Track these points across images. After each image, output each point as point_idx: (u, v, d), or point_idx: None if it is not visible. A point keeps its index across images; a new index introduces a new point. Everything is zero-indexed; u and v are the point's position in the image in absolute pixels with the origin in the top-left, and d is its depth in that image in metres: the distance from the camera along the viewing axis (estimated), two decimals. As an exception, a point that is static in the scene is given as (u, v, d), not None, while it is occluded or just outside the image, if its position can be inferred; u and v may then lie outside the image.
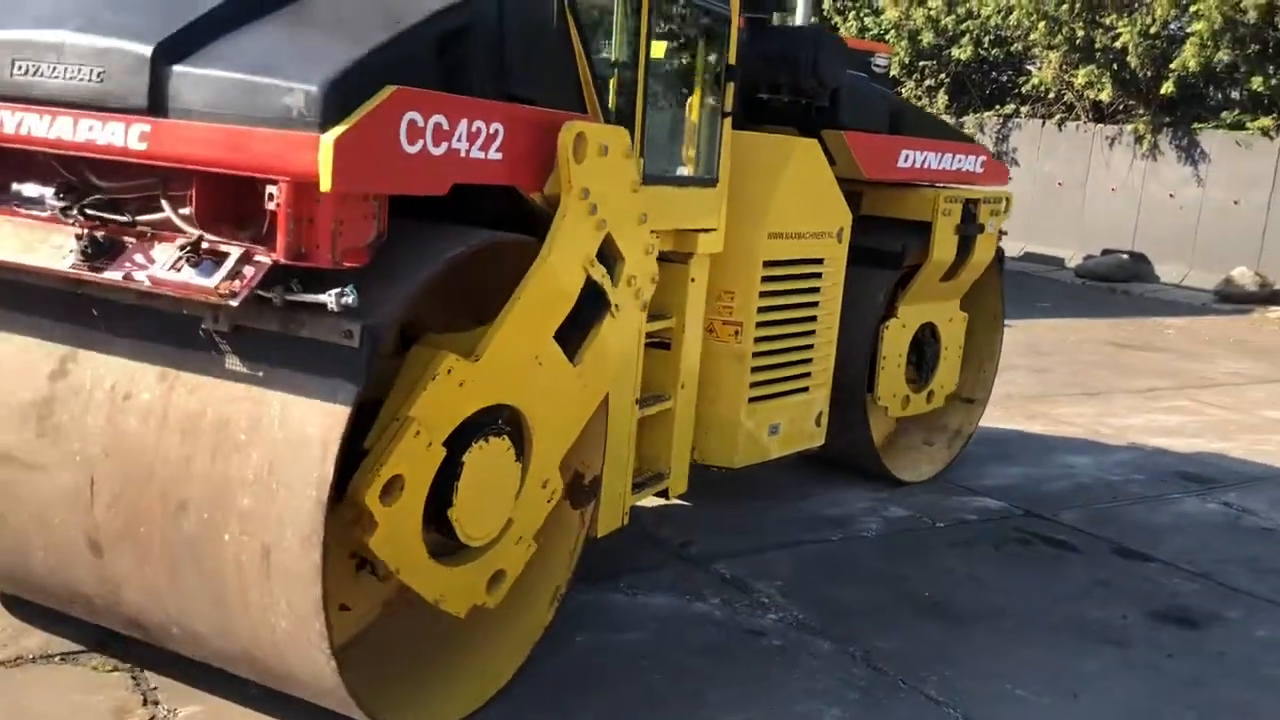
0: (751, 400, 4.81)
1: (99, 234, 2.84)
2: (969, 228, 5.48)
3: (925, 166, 5.40)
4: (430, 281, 2.80)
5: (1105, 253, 17.87)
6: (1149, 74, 17.41)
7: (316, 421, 2.61)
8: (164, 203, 2.83)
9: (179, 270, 2.70)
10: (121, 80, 2.79)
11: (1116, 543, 5.36)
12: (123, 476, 2.81)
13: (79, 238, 2.83)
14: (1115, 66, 17.80)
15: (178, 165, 2.75)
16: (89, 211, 2.89)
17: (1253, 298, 15.96)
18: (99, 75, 2.82)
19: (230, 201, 2.76)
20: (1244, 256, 16.42)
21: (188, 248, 2.70)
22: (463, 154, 2.88)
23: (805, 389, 5.09)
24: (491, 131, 2.96)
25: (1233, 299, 15.98)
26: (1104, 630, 4.34)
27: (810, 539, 5.05)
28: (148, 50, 2.76)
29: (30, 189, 3.03)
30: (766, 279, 4.75)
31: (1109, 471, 6.69)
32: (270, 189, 2.61)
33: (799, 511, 5.39)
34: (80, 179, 2.98)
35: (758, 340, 4.76)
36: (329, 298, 2.56)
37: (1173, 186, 17.65)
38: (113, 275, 2.79)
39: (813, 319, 5.05)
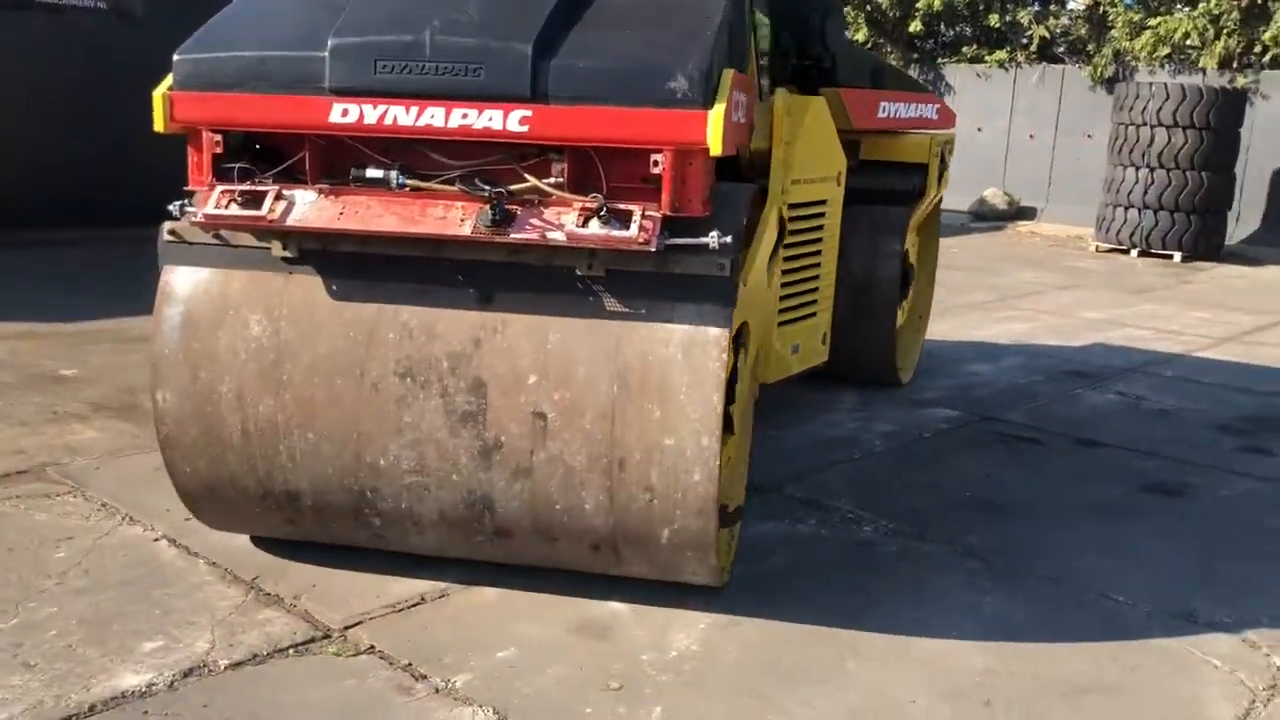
0: (780, 324, 5.21)
1: (498, 204, 3.33)
2: (943, 167, 6.12)
3: (897, 115, 5.99)
4: (743, 221, 3.53)
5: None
6: (897, 14, 18.81)
7: (709, 337, 3.32)
8: (528, 175, 3.43)
9: (588, 227, 3.28)
10: (502, 73, 3.32)
11: (1068, 435, 6.15)
12: (538, 396, 3.38)
13: (491, 206, 3.31)
14: (868, 7, 19.10)
15: (562, 143, 3.37)
16: (478, 185, 3.38)
17: (1003, 215, 17.75)
18: (475, 70, 3.33)
19: (594, 170, 3.42)
20: (990, 178, 18.17)
21: (600, 210, 3.29)
22: (739, 120, 3.45)
23: (814, 314, 5.55)
24: (746, 101, 3.50)
25: (986, 217, 17.70)
26: (1117, 507, 5.05)
27: (839, 459, 5.51)
28: (528, 48, 3.31)
29: (372, 172, 3.46)
30: (791, 219, 5.14)
31: (1013, 375, 7.54)
32: (655, 157, 3.29)
33: (807, 436, 5.84)
34: (419, 161, 3.48)
35: (784, 272, 5.16)
36: (711, 239, 3.28)
37: (925, 116, 19.17)
38: (524, 235, 3.31)
39: (819, 252, 5.49)
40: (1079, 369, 7.81)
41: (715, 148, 3.26)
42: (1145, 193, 14.67)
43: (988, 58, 18.43)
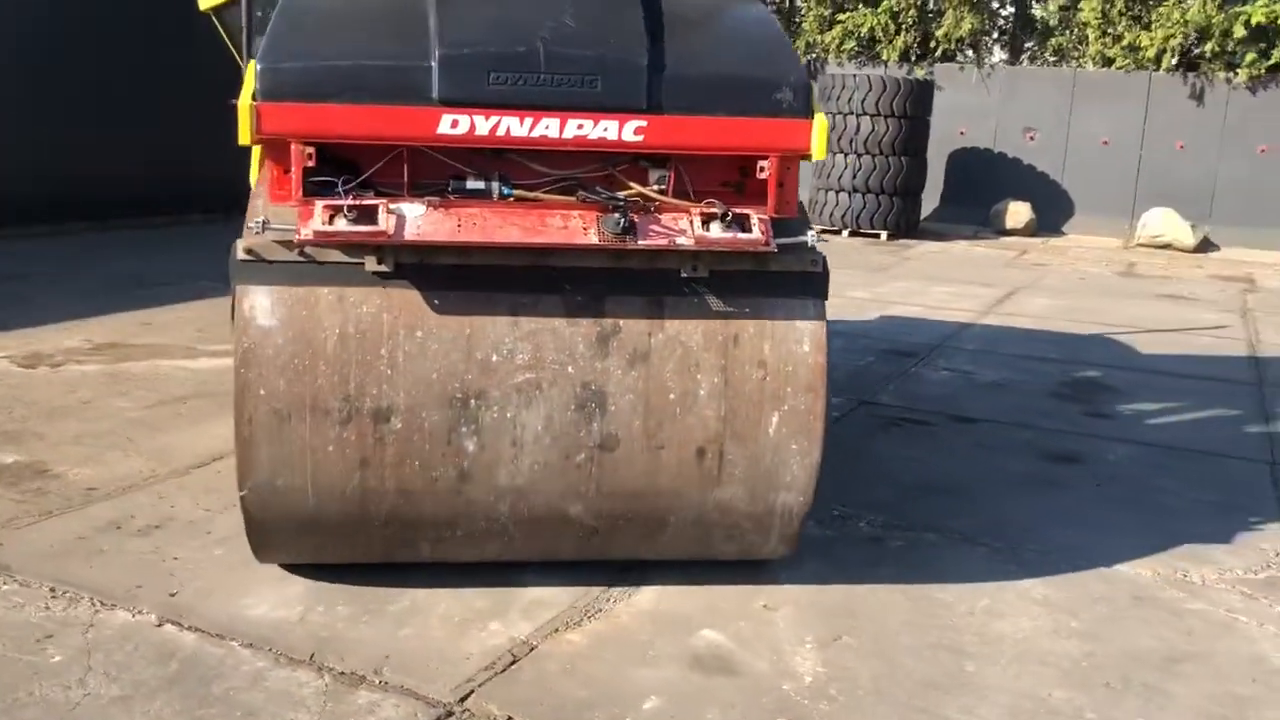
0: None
1: (624, 212, 3.39)
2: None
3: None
4: None
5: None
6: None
7: (809, 329, 3.56)
8: (631, 183, 3.52)
9: (710, 231, 3.41)
10: (619, 84, 3.40)
11: (942, 413, 6.53)
12: (657, 390, 3.51)
13: (618, 215, 3.37)
14: None
15: (673, 152, 3.50)
16: (599, 193, 3.46)
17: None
18: (591, 81, 3.38)
19: (698, 176, 3.57)
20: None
21: (725, 215, 3.40)
22: None
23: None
24: None
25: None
26: (1036, 479, 5.43)
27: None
28: (644, 60, 3.44)
29: (473, 183, 3.44)
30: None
31: (848, 358, 7.88)
32: (761, 163, 3.51)
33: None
34: (512, 171, 3.49)
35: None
36: (810, 237, 3.53)
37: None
38: (652, 242, 3.40)
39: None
40: (897, 348, 8.29)
41: (819, 153, 3.50)
42: (854, 177, 15.79)
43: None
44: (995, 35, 19.36)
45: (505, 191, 3.45)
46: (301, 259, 3.40)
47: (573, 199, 3.49)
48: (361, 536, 3.63)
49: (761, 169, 3.50)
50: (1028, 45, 19.30)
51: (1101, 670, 3.54)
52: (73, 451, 5.06)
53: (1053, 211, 17.39)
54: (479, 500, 3.53)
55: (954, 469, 5.48)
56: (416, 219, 3.34)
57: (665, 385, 3.52)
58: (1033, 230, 17.14)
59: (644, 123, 3.40)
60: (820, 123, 3.46)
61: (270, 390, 3.38)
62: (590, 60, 3.42)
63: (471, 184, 3.45)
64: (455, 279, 3.45)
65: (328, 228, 3.28)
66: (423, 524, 3.61)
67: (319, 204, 3.31)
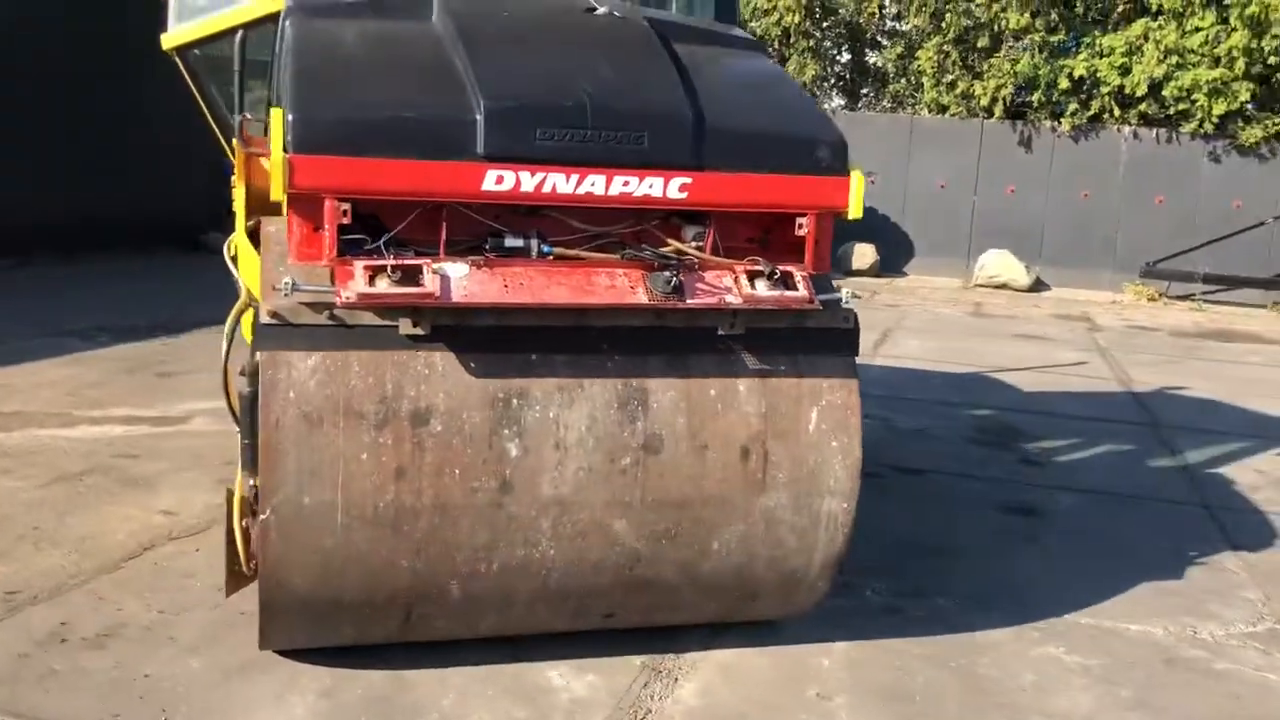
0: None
1: (675, 271, 3.30)
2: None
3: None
4: None
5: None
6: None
7: (843, 386, 3.49)
8: (669, 239, 3.45)
9: (755, 289, 3.35)
10: (666, 141, 3.31)
11: (885, 464, 6.45)
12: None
13: (668, 273, 3.28)
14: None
15: (716, 209, 3.41)
16: (645, 251, 3.36)
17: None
18: (638, 138, 3.27)
19: (742, 232, 3.54)
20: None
21: (772, 273, 3.36)
22: None
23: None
24: None
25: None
26: (1007, 531, 5.40)
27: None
28: (689, 116, 3.35)
29: (511, 241, 3.31)
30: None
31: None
32: (800, 220, 3.45)
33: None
34: (551, 227, 3.37)
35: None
36: (844, 294, 3.49)
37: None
38: (702, 301, 3.32)
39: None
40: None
41: (856, 211, 3.46)
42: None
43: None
44: (833, 81, 19.94)
45: (545, 249, 3.31)
46: (331, 323, 3.12)
47: (615, 257, 3.36)
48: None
49: (801, 225, 3.45)
50: (864, 91, 19.96)
51: (1175, 745, 3.45)
52: (-26, 546, 4.38)
53: (895, 253, 17.96)
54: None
55: (926, 526, 5.38)
56: (461, 280, 3.17)
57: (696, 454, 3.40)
58: (876, 271, 17.64)
59: (689, 179, 3.31)
60: (858, 180, 3.44)
61: (298, 472, 3.10)
62: (636, 116, 3.32)
63: (510, 242, 3.30)
64: (490, 340, 3.24)
65: (371, 289, 3.05)
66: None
67: (358, 264, 3.09)
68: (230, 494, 3.67)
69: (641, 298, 3.27)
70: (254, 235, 3.95)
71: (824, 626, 4.10)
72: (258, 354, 3.12)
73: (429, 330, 3.16)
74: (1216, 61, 15.88)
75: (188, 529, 4.73)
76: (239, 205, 3.99)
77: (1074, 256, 17.35)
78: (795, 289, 3.38)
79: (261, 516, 3.10)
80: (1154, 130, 16.90)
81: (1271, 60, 15.62)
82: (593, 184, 3.23)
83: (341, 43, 3.45)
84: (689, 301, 3.29)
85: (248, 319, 3.78)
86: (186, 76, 5.20)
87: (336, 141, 3.08)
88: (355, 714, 3.29)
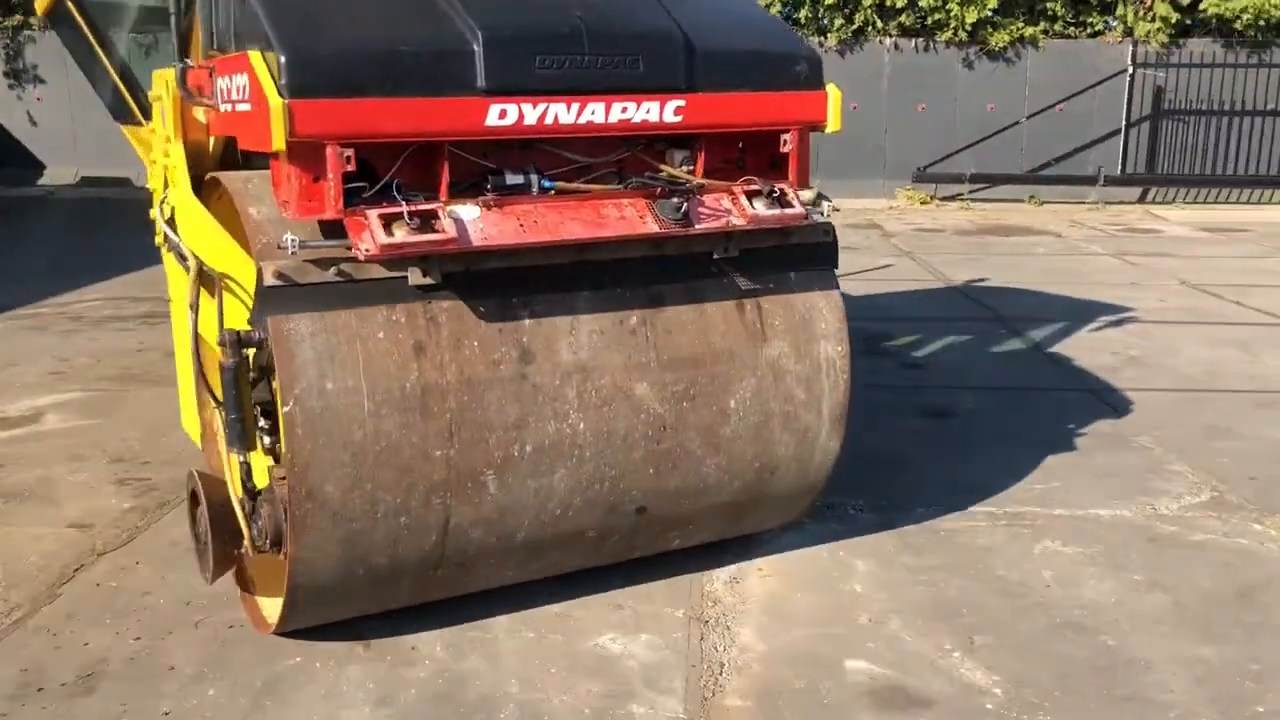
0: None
1: (683, 198, 3.26)
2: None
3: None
4: None
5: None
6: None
7: (827, 295, 3.65)
8: (661, 165, 3.40)
9: (757, 208, 3.33)
10: (660, 64, 3.22)
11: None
12: (706, 375, 3.44)
13: (675, 203, 3.23)
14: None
15: (706, 130, 3.35)
16: (652, 179, 3.33)
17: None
18: (633, 61, 3.17)
19: (719, 154, 3.45)
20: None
21: (770, 192, 3.35)
22: None
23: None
24: None
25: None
26: (939, 435, 5.54)
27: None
28: (681, 37, 3.26)
29: (511, 177, 3.16)
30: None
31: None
32: (784, 136, 3.43)
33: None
34: (542, 160, 3.24)
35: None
36: (825, 208, 3.51)
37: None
38: (709, 225, 3.31)
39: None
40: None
41: (835, 124, 3.49)
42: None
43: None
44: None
45: (545, 184, 3.19)
46: (340, 279, 2.98)
47: (618, 187, 3.31)
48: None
49: (785, 142, 3.44)
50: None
51: (1208, 620, 3.61)
52: None
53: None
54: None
55: (864, 436, 5.43)
56: (476, 222, 3.04)
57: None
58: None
59: (682, 102, 3.25)
60: (835, 94, 3.46)
61: (334, 465, 2.96)
62: (630, 39, 3.22)
63: (511, 179, 3.17)
64: (500, 283, 3.17)
65: (392, 239, 2.87)
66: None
67: (372, 214, 2.90)
68: (193, 478, 3.47)
69: (652, 226, 3.24)
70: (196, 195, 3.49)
71: (835, 550, 4.07)
72: (265, 320, 2.92)
73: (440, 279, 3.03)
74: (965, -29, 16.67)
75: (113, 540, 4.18)
76: (177, 162, 3.48)
77: (848, 167, 17.94)
78: (791, 206, 3.39)
79: (285, 409, 2.90)
80: (913, 41, 17.63)
81: (1011, -33, 16.54)
82: (593, 113, 3.12)
83: None
84: (699, 226, 3.28)
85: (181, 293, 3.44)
86: (69, 30, 4.57)
87: (337, 83, 2.84)
88: (427, 718, 3.00)
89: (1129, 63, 16.88)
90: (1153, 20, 16.76)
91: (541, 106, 3.06)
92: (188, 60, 3.46)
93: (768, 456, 3.62)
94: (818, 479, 3.81)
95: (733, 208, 3.36)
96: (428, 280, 3.05)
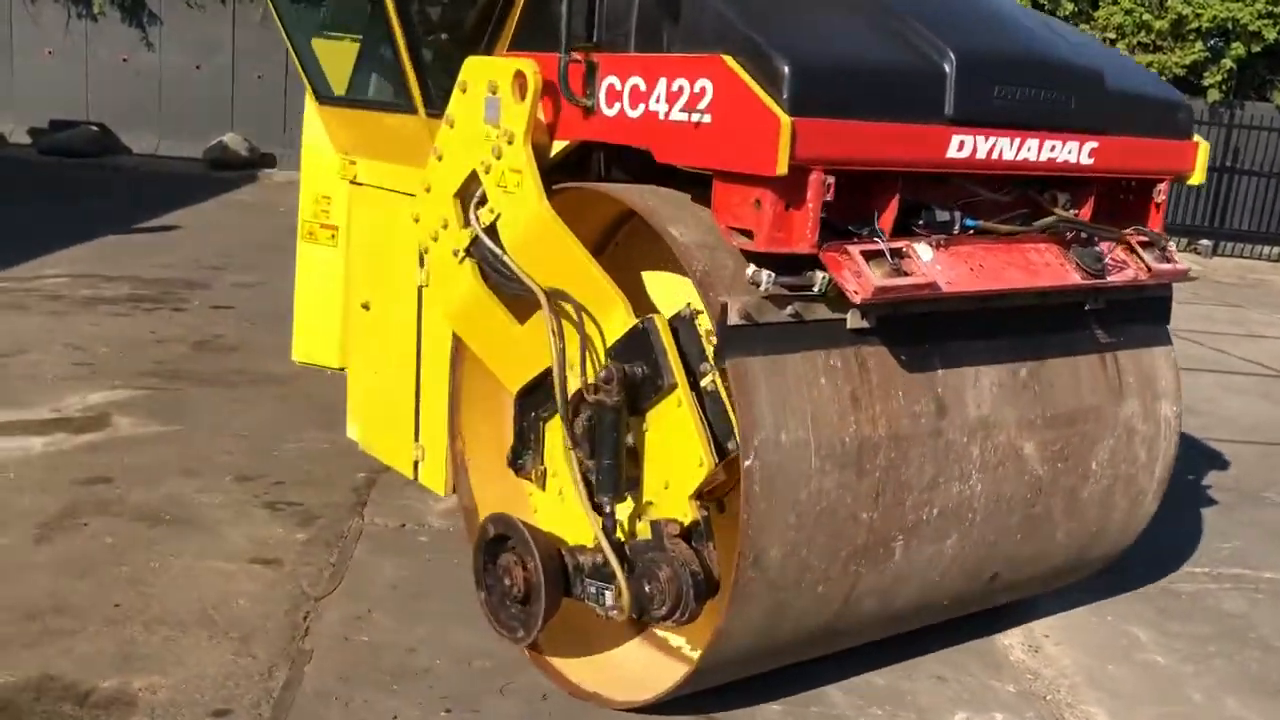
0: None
1: (1099, 247, 3.13)
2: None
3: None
4: None
5: (58, 124, 16.05)
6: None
7: (1166, 351, 3.52)
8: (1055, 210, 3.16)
9: (1150, 261, 3.20)
10: (1088, 103, 3.04)
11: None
12: (1077, 434, 3.22)
13: (1097, 251, 3.10)
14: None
15: (1113, 174, 3.22)
16: (1075, 223, 3.13)
17: (247, 163, 16.25)
18: (1066, 99, 2.99)
19: (1104, 200, 3.28)
20: (219, 122, 16.45)
21: (1159, 243, 3.26)
22: None
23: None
24: None
25: (229, 165, 16.01)
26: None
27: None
28: (1102, 77, 3.10)
29: (940, 214, 2.90)
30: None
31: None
32: (1159, 185, 3.33)
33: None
34: (955, 194, 3.00)
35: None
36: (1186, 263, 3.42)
37: (124, 50, 16.54)
38: (1118, 278, 3.15)
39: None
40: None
41: (1199, 175, 3.41)
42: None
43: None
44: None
45: (967, 223, 2.94)
46: (792, 320, 2.68)
47: (1026, 229, 3.08)
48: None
49: (1159, 191, 3.34)
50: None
51: None
52: None
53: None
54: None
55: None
56: (933, 264, 2.77)
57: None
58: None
59: (1096, 144, 3.08)
60: (1204, 146, 3.41)
61: (781, 527, 2.67)
62: (1066, 74, 3.04)
63: (940, 215, 2.91)
64: (918, 329, 2.91)
65: (888, 281, 2.61)
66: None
67: (855, 250, 2.63)
68: (506, 523, 3.11)
69: (1075, 276, 3.06)
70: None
71: (1100, 614, 3.94)
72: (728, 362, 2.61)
73: (873, 322, 2.76)
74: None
75: (316, 580, 3.65)
76: (520, 167, 3.02)
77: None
78: (1173, 260, 3.29)
79: (746, 463, 2.58)
80: None
81: None
82: (1029, 149, 2.93)
83: None
84: (1109, 278, 3.12)
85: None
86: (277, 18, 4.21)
87: (834, 102, 2.55)
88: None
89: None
90: None
91: (992, 139, 2.84)
92: (573, 54, 2.97)
93: (1105, 521, 3.44)
94: (1128, 544, 3.64)
95: (1128, 259, 3.21)
96: (864, 324, 2.75)
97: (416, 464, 4.05)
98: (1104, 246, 3.16)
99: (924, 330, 2.91)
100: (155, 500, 4.19)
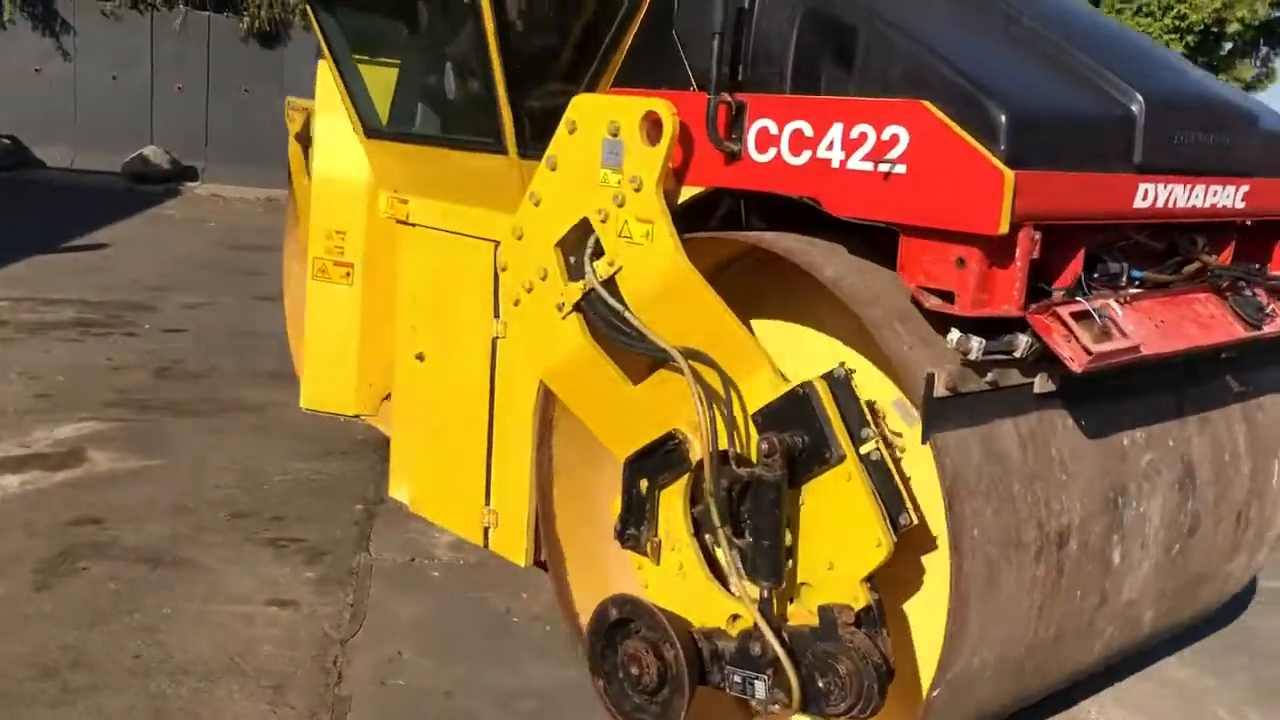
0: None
1: (1260, 297, 3.03)
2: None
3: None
4: None
5: (-35, 138, 15.43)
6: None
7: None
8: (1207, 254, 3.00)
9: None
10: (1245, 146, 2.98)
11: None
12: (1222, 496, 3.15)
13: (1260, 301, 3.01)
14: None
15: (1259, 217, 3.09)
16: (1232, 271, 3.00)
17: (168, 175, 15.79)
18: (1226, 143, 2.90)
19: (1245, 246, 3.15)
20: (139, 134, 15.96)
21: None
22: None
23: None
24: None
25: (150, 179, 15.54)
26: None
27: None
28: (1258, 120, 3.06)
29: (1113, 264, 2.74)
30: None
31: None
32: None
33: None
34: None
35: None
36: None
37: (36, 60, 15.97)
38: (1273, 328, 3.03)
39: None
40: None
41: None
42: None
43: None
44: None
45: (1134, 274, 2.79)
46: (989, 388, 2.49)
47: (1192, 281, 2.94)
48: None
49: None
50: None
51: None
52: None
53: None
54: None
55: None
56: (1125, 322, 2.60)
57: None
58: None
59: (1248, 187, 2.97)
60: None
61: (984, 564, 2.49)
62: (1226, 115, 2.98)
63: (1113, 266, 2.74)
64: (1096, 393, 2.72)
65: (1104, 346, 2.45)
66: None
67: (1064, 312, 2.46)
68: (634, 605, 2.89)
69: (1239, 328, 2.92)
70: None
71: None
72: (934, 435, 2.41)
73: (1058, 385, 2.58)
74: None
75: (338, 621, 3.57)
76: (653, 217, 2.79)
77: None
78: None
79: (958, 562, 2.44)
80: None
81: None
82: (1197, 195, 2.78)
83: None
84: (1265, 328, 2.98)
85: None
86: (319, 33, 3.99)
87: (1044, 152, 2.38)
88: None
89: None
90: None
91: (1169, 187, 2.70)
92: (725, 95, 2.73)
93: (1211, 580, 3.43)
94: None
95: (1277, 307, 3.09)
96: (1050, 387, 2.59)
97: (487, 530, 3.72)
98: (1261, 295, 3.04)
99: (1099, 390, 2.73)
100: (152, 541, 4.04)
